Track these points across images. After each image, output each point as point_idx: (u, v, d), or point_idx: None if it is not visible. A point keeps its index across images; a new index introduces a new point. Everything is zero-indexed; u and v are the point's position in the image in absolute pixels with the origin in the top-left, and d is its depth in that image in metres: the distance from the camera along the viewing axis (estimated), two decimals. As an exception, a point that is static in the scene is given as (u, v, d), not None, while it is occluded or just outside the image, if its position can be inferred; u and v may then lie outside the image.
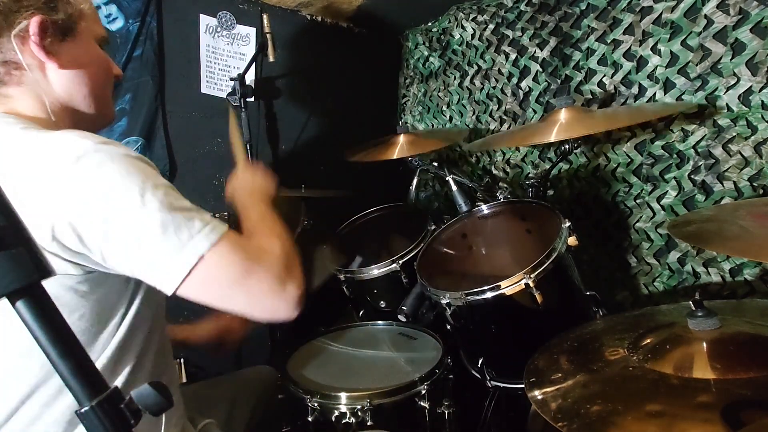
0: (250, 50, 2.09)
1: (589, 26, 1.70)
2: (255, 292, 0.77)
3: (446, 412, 1.25)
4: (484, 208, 1.51)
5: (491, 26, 2.06)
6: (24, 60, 0.78)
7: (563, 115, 1.37)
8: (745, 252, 0.90)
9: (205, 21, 1.99)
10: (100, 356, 0.76)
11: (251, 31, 2.10)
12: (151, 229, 0.69)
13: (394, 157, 1.71)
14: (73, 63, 0.82)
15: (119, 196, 0.69)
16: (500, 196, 1.51)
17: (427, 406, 1.22)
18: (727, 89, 1.37)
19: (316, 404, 1.20)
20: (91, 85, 0.86)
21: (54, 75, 0.81)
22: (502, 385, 1.31)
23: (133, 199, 0.69)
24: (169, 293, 0.72)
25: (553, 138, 1.28)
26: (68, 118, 0.85)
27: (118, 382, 0.79)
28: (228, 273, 0.74)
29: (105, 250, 0.70)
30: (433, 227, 1.62)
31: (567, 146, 1.47)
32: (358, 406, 1.17)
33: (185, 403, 0.99)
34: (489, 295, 1.20)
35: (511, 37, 1.99)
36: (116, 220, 0.69)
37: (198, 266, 0.71)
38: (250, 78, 2.07)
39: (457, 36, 2.23)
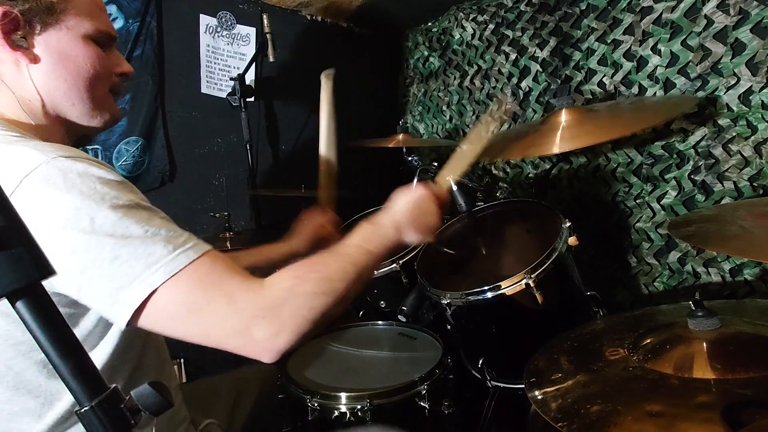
0: (250, 50, 2.09)
1: (589, 26, 1.70)
2: (212, 330, 0.67)
3: (446, 412, 1.24)
4: (484, 208, 1.51)
5: (491, 26, 2.06)
6: None
7: (563, 115, 1.37)
8: (745, 252, 0.90)
9: (205, 21, 1.99)
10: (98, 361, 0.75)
11: (251, 31, 2.10)
12: (100, 259, 0.62)
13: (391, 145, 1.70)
14: (49, 57, 0.76)
15: (65, 220, 0.62)
16: (500, 196, 1.51)
17: (427, 406, 1.22)
18: (728, 89, 1.37)
19: (316, 404, 1.20)
20: (74, 83, 0.79)
21: (30, 70, 0.75)
22: (502, 385, 1.31)
23: (81, 224, 0.62)
24: (122, 326, 0.65)
25: (556, 149, 1.28)
26: (55, 120, 0.80)
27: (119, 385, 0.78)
28: (182, 307, 0.66)
29: (54, 279, 0.66)
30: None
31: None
32: (358, 406, 1.17)
33: (187, 402, 0.99)
34: (489, 295, 1.20)
35: (511, 37, 1.99)
36: (59, 247, 0.62)
37: (150, 300, 0.64)
38: (250, 78, 2.08)
39: (457, 36, 2.23)
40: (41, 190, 0.62)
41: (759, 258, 0.85)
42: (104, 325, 0.74)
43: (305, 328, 0.71)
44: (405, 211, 0.94)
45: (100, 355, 0.75)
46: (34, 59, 0.75)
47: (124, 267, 0.63)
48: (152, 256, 0.64)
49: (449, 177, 1.08)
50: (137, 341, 0.81)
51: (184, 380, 1.78)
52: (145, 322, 0.66)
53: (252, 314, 0.68)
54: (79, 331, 0.71)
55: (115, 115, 0.89)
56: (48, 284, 0.63)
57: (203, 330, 0.68)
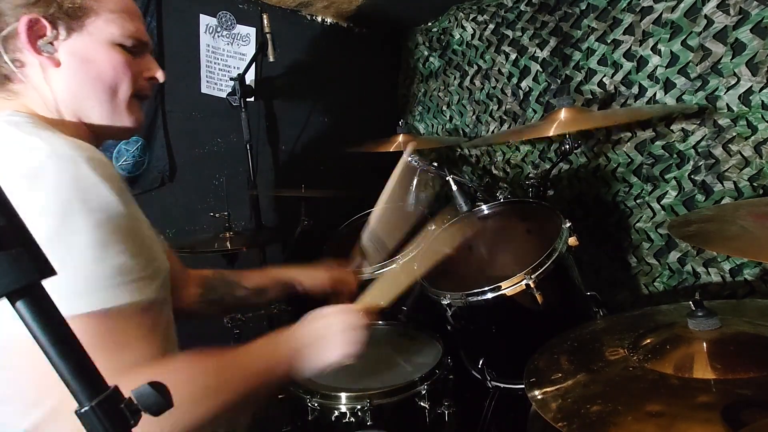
0: (250, 50, 2.09)
1: (589, 26, 1.70)
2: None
3: (446, 412, 1.24)
4: (484, 208, 1.51)
5: (491, 26, 2.06)
6: (21, 58, 0.77)
7: (563, 115, 1.37)
8: (745, 252, 0.90)
9: (205, 21, 1.99)
10: None
11: (251, 31, 2.10)
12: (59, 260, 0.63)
13: (391, 149, 1.70)
14: (73, 62, 0.79)
15: (55, 215, 0.63)
16: (500, 196, 1.51)
17: (427, 406, 1.22)
18: (728, 89, 1.37)
19: (316, 404, 1.20)
20: (94, 89, 0.81)
21: (52, 74, 0.79)
22: (502, 385, 1.31)
23: (52, 224, 0.62)
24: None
25: (552, 132, 1.29)
26: (78, 121, 0.83)
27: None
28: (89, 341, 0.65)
29: None
30: (433, 227, 1.62)
31: (567, 146, 1.47)
32: (358, 406, 1.17)
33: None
34: (489, 295, 1.20)
35: (511, 37, 1.99)
36: (50, 240, 0.61)
37: (75, 319, 0.62)
38: (250, 78, 2.07)
39: (457, 36, 2.23)
40: (34, 183, 0.63)
41: (759, 258, 0.85)
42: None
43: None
44: (308, 342, 0.86)
45: None
46: (58, 63, 0.78)
47: (69, 281, 0.62)
48: (94, 284, 0.64)
49: (378, 300, 0.99)
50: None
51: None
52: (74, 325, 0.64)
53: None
54: None
55: (139, 119, 0.89)
56: None
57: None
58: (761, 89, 1.31)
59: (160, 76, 0.90)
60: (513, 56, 1.98)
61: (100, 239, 0.65)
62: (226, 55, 2.06)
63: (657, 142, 1.56)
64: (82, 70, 0.80)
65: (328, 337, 0.87)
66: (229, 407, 0.75)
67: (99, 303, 0.64)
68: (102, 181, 0.68)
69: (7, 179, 0.63)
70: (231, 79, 1.98)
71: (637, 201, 1.64)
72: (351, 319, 0.90)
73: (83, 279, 0.64)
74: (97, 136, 0.86)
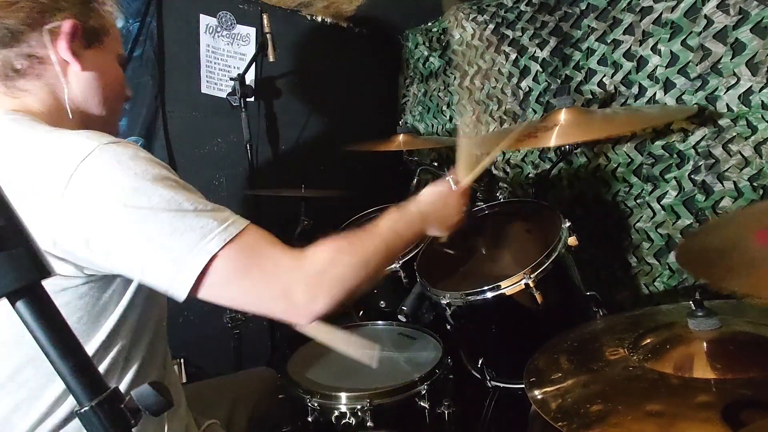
0: (250, 50, 2.09)
1: (589, 26, 1.70)
2: (262, 293, 0.74)
3: (446, 412, 1.24)
4: (484, 208, 1.51)
5: (491, 26, 2.06)
6: (50, 55, 0.80)
7: (563, 115, 1.37)
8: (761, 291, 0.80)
9: (205, 21, 1.99)
10: (103, 361, 0.76)
11: (251, 31, 2.10)
12: (159, 231, 0.68)
13: (392, 149, 1.70)
14: (93, 69, 0.85)
15: (125, 198, 0.67)
16: (500, 196, 1.51)
17: (427, 406, 1.22)
18: (727, 89, 1.37)
19: (316, 404, 1.20)
20: (106, 94, 0.89)
21: (74, 76, 0.83)
22: (502, 385, 1.31)
23: (140, 201, 0.68)
24: (181, 299, 0.71)
25: (552, 142, 1.29)
26: (80, 122, 0.86)
27: (123, 387, 0.79)
28: (237, 275, 0.72)
29: (110, 252, 0.69)
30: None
31: (567, 146, 1.47)
32: (358, 406, 1.17)
33: (188, 403, 0.99)
34: (489, 295, 1.20)
35: (511, 37, 1.99)
36: (122, 223, 0.67)
37: (209, 270, 0.69)
38: (250, 78, 2.07)
39: (457, 36, 2.23)
40: (99, 173, 0.68)
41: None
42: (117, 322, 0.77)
43: (340, 296, 0.78)
44: (431, 204, 1.03)
45: (103, 358, 0.76)
46: (84, 67, 0.83)
47: (183, 238, 0.68)
48: (205, 228, 0.70)
49: (468, 176, 1.11)
50: (144, 340, 0.82)
51: (184, 380, 1.78)
52: (202, 289, 0.70)
53: (295, 280, 0.75)
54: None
55: (117, 131, 1.01)
56: (109, 265, 0.70)
57: (251, 294, 0.74)
58: (761, 89, 1.31)
59: (129, 94, 0.99)
60: (513, 56, 1.98)
61: (185, 193, 0.72)
62: (226, 55, 2.06)
63: (657, 142, 1.56)
64: (100, 79, 0.87)
65: (447, 202, 1.06)
66: (385, 264, 0.89)
67: (229, 233, 0.71)
68: (150, 155, 0.75)
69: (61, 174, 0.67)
70: (231, 79, 1.98)
71: (637, 201, 1.64)
72: (459, 188, 1.08)
73: (200, 227, 0.69)
74: None
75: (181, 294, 0.70)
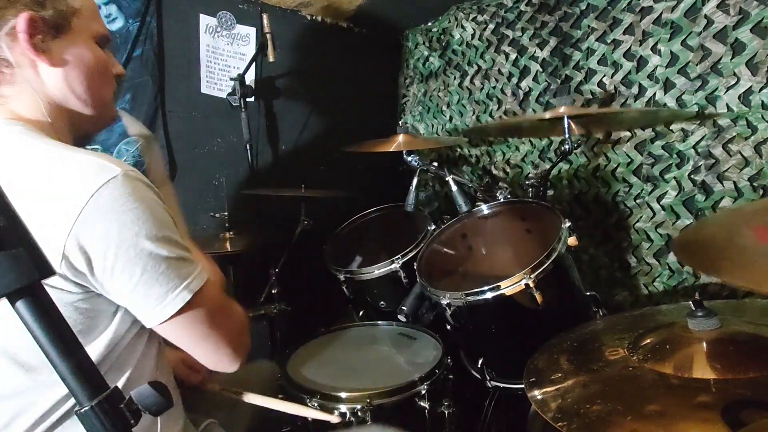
0: (250, 50, 2.09)
1: (589, 26, 1.70)
2: (220, 341, 0.83)
3: (446, 412, 1.24)
4: (484, 208, 1.51)
5: (491, 26, 2.06)
6: (14, 58, 0.75)
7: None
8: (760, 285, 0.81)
9: (205, 21, 1.99)
10: (100, 366, 0.76)
11: (251, 31, 2.10)
12: (155, 269, 0.72)
13: (391, 149, 1.70)
14: (65, 61, 0.79)
15: (137, 231, 0.70)
16: (500, 196, 1.51)
17: (427, 406, 1.22)
18: (727, 89, 1.37)
19: (316, 404, 1.20)
20: (87, 84, 0.82)
21: (47, 73, 0.78)
22: (502, 385, 1.31)
23: (149, 236, 0.71)
24: (148, 326, 0.77)
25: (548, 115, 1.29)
26: (65, 118, 0.83)
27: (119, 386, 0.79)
28: (203, 320, 0.79)
29: (106, 277, 0.70)
30: (433, 227, 1.62)
31: (567, 146, 1.47)
32: (358, 406, 1.17)
33: (185, 403, 0.99)
34: (489, 295, 1.20)
35: (511, 37, 1.99)
36: (128, 253, 0.70)
37: (182, 311, 0.74)
38: (250, 78, 2.07)
39: (457, 36, 2.23)
40: (119, 201, 0.69)
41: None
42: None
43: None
44: None
45: (99, 365, 0.76)
46: (53, 63, 0.78)
47: (171, 276, 0.73)
48: (186, 273, 0.76)
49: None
50: (139, 349, 0.82)
51: (184, 380, 1.78)
52: (167, 328, 0.77)
53: (241, 327, 0.89)
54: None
55: (115, 115, 0.94)
56: (101, 288, 0.71)
57: (214, 340, 0.82)
58: (761, 89, 1.31)
59: (122, 71, 0.93)
60: (513, 56, 1.98)
61: (174, 239, 0.76)
62: (226, 55, 2.06)
63: (657, 142, 1.56)
64: (77, 68, 0.81)
65: None
66: None
67: (196, 285, 0.76)
68: (150, 185, 0.76)
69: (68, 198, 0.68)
70: (231, 79, 1.98)
71: (637, 201, 1.64)
72: None
73: (174, 278, 0.74)
74: (75, 131, 0.87)
75: (148, 325, 0.76)
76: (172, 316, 0.74)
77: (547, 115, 1.30)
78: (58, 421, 0.75)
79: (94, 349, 0.75)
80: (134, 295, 0.72)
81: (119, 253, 0.69)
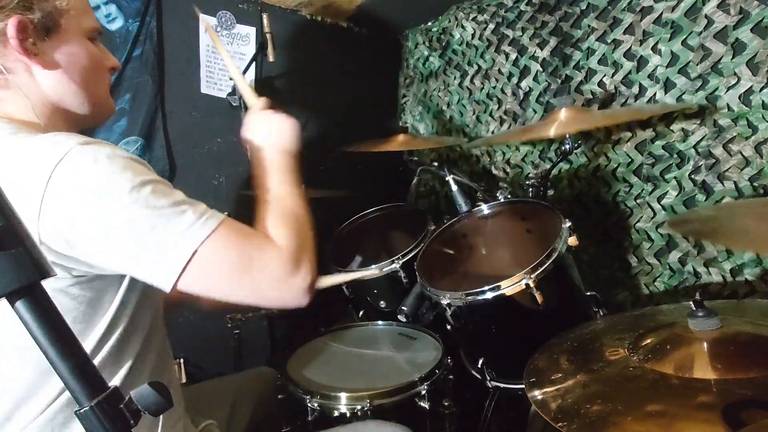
0: (250, 50, 2.09)
1: (589, 26, 1.70)
2: (257, 283, 0.76)
3: (446, 412, 1.24)
4: (484, 208, 1.51)
5: (491, 26, 2.06)
6: (7, 63, 0.76)
7: (563, 115, 1.37)
8: (747, 245, 0.89)
9: (205, 20, 1.99)
10: (95, 358, 0.76)
11: (251, 31, 2.10)
12: (141, 227, 0.68)
13: (392, 149, 1.70)
14: (58, 62, 0.79)
15: (104, 197, 0.67)
16: (500, 196, 1.51)
17: (427, 406, 1.22)
18: (728, 89, 1.37)
19: (316, 404, 1.20)
20: (81, 82, 0.83)
21: (41, 76, 0.79)
22: (502, 385, 1.31)
23: (119, 199, 0.68)
24: (168, 290, 0.72)
25: (552, 133, 1.29)
26: (62, 118, 0.83)
27: (116, 383, 0.79)
28: (225, 265, 0.73)
29: (93, 250, 0.69)
30: (433, 227, 1.62)
31: (567, 146, 1.47)
32: (358, 407, 1.17)
33: (186, 405, 0.99)
34: (489, 295, 1.20)
35: (511, 37, 1.99)
36: (103, 221, 0.67)
37: (193, 260, 0.70)
38: (249, 78, 2.07)
39: (457, 36, 2.23)
40: (77, 174, 0.67)
41: (761, 250, 0.84)
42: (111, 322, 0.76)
43: (315, 261, 0.83)
44: (267, 139, 1.03)
45: (98, 356, 0.76)
46: (46, 65, 0.78)
47: (163, 233, 0.69)
48: (185, 223, 0.71)
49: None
50: (138, 339, 0.82)
51: (184, 380, 1.78)
52: (190, 282, 0.71)
53: (285, 261, 0.78)
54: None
55: (113, 109, 0.94)
56: (97, 265, 0.70)
57: (247, 284, 0.75)
58: (762, 89, 1.31)
59: (117, 64, 0.93)
60: (513, 56, 1.98)
61: (163, 188, 0.73)
62: (226, 55, 2.06)
63: (657, 142, 1.56)
64: (70, 68, 0.81)
65: (274, 130, 1.05)
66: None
67: (209, 227, 0.72)
68: (127, 153, 0.73)
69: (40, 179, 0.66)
70: (231, 78, 1.98)
71: (637, 201, 1.64)
72: (266, 114, 1.09)
73: (180, 222, 0.71)
74: (79, 130, 0.87)
75: (166, 286, 0.71)
76: (183, 272, 0.69)
77: (551, 133, 1.30)
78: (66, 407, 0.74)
79: (90, 340, 0.75)
80: (133, 263, 0.70)
81: (95, 225, 0.67)
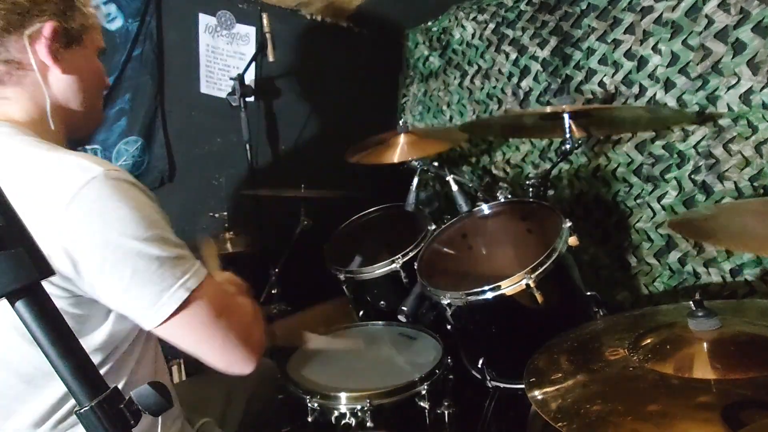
0: (250, 50, 2.09)
1: (589, 26, 1.70)
2: (226, 340, 0.79)
3: (446, 412, 1.24)
4: (485, 208, 1.51)
5: (491, 25, 2.06)
6: (27, 60, 0.78)
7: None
8: (747, 245, 0.90)
9: (205, 20, 1.99)
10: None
11: (251, 31, 2.10)
12: (146, 268, 0.70)
13: (395, 160, 1.71)
14: (73, 70, 0.84)
15: (123, 230, 0.69)
16: (500, 196, 1.51)
17: (427, 406, 1.22)
18: (728, 89, 1.37)
19: (316, 404, 1.20)
20: (87, 93, 0.88)
21: (54, 79, 0.82)
22: (502, 385, 1.31)
23: (136, 236, 0.70)
24: (147, 329, 0.74)
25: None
26: (63, 122, 0.86)
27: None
28: (204, 318, 0.76)
29: (95, 280, 0.69)
30: (433, 227, 1.62)
31: (567, 146, 1.47)
32: (358, 407, 1.17)
33: (181, 402, 0.99)
34: (489, 295, 1.20)
35: (511, 37, 1.99)
36: (115, 254, 0.69)
37: (180, 310, 0.72)
38: (249, 78, 2.07)
39: (458, 35, 2.23)
40: (101, 201, 0.68)
41: (760, 251, 0.85)
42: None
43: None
44: None
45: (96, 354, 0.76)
46: (65, 70, 0.83)
47: (165, 275, 0.72)
48: (182, 271, 0.74)
49: None
50: (136, 347, 0.82)
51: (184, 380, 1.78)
52: (167, 330, 0.74)
53: (248, 324, 0.85)
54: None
55: (102, 120, 1.03)
56: (92, 291, 0.70)
57: (219, 340, 0.79)
58: (762, 89, 1.31)
59: (109, 84, 1.03)
60: (513, 56, 1.98)
61: (167, 236, 0.74)
62: (226, 55, 2.06)
63: (657, 142, 1.56)
64: (83, 77, 0.86)
65: None
66: None
67: (193, 283, 0.74)
68: (144, 188, 0.76)
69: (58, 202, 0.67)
70: (231, 78, 1.98)
71: (637, 201, 1.64)
72: None
73: (168, 277, 0.72)
74: (70, 134, 0.91)
75: (147, 327, 0.74)
76: (171, 316, 0.72)
77: (548, 109, 1.30)
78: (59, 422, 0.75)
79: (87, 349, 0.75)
80: (127, 296, 0.71)
81: (105, 254, 0.68)
